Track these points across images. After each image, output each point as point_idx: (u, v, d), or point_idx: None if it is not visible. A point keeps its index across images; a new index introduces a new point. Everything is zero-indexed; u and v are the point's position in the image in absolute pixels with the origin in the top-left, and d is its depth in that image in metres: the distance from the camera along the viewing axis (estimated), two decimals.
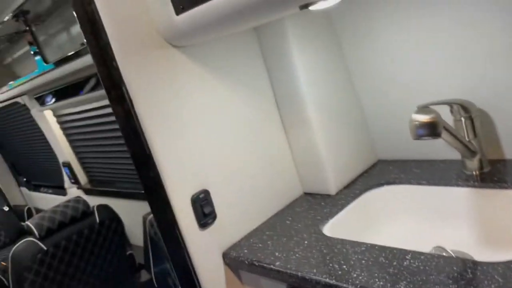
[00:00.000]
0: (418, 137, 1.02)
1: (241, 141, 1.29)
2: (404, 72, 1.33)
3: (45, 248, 2.19)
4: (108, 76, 1.03)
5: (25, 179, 4.46)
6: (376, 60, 1.39)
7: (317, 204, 1.33)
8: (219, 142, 1.24)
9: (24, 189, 4.53)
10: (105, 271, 2.42)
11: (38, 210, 4.32)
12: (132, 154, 1.09)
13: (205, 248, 1.17)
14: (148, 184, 1.09)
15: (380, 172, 1.41)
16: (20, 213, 4.06)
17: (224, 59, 1.25)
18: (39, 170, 3.89)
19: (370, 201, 1.32)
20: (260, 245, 1.17)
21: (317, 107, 1.32)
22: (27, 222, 2.23)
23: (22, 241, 2.20)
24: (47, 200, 3.96)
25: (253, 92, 1.34)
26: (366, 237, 1.26)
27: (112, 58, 1.00)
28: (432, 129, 1.01)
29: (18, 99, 3.20)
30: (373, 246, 0.99)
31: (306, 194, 1.45)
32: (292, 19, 1.28)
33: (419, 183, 1.25)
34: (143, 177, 1.09)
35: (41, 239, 2.21)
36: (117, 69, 1.01)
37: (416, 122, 1.01)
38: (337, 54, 1.42)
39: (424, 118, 1.01)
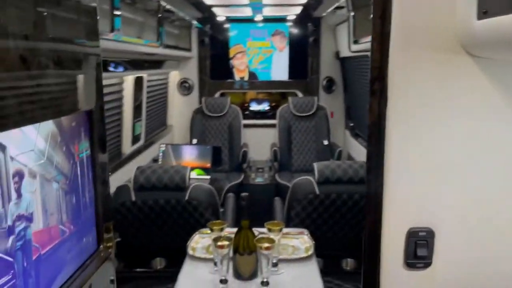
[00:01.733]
0: None
1: (503, 181, 0.97)
2: None
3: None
4: (376, 66, 0.94)
5: (351, 124, 4.91)
6: None
7: None
8: (473, 178, 0.97)
9: (347, 132, 5.02)
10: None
11: (350, 157, 4.75)
12: (368, 153, 1.00)
13: None
14: (369, 190, 0.99)
15: None
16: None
17: None
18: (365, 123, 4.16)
19: None
20: None
21: None
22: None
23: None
24: (359, 149, 4.27)
25: None
26: None
27: (386, 48, 0.90)
28: None
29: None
30: None
31: None
32: None
33: None
34: (367, 181, 1.00)
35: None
36: (385, 60, 0.90)
37: None
38: None
39: None
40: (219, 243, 1.74)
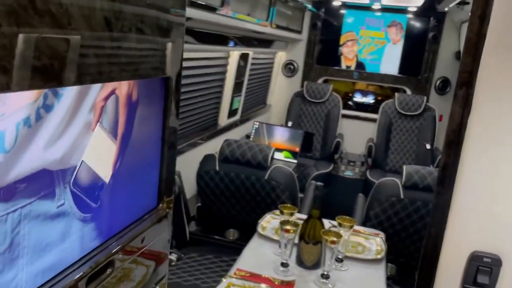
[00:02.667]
0: None
1: None
2: None
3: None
4: (466, 70, 0.84)
5: None
6: None
7: None
8: None
9: None
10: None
11: None
12: (442, 163, 0.91)
13: None
14: (437, 201, 0.91)
15: None
16: None
17: None
18: None
19: None
20: None
21: None
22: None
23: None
24: None
25: None
26: None
27: (479, 52, 0.80)
28: None
29: None
30: None
31: None
32: None
33: None
34: (436, 192, 0.91)
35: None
36: (476, 65, 0.81)
37: None
38: None
39: None
40: (285, 227, 1.75)
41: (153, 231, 0.91)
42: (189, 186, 2.78)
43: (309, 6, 4.66)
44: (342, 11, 4.92)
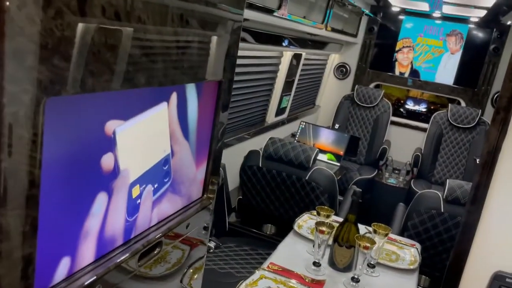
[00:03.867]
0: None
1: None
2: None
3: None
4: (506, 95, 0.86)
5: None
6: None
7: None
8: None
9: None
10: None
11: None
12: (475, 183, 0.94)
13: None
14: (467, 220, 0.93)
15: None
16: None
17: None
18: None
19: None
20: None
21: None
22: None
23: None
24: None
25: None
26: None
27: None
28: None
29: None
30: None
31: None
32: None
33: None
34: (467, 211, 0.94)
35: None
36: None
37: None
38: None
39: None
40: (321, 228, 1.81)
41: (196, 218, 1.01)
42: (233, 178, 2.88)
43: (367, 11, 4.62)
44: (401, 17, 4.85)
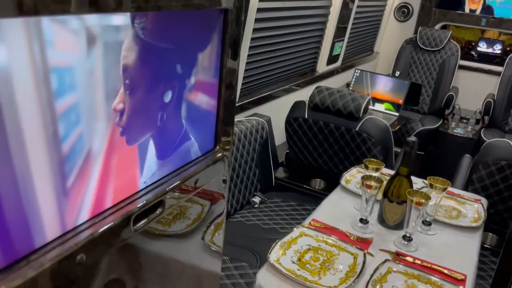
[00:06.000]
0: None
1: None
2: None
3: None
4: None
5: None
6: None
7: None
8: None
9: None
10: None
11: None
12: None
13: None
14: None
15: None
16: None
17: None
18: None
19: None
20: None
21: None
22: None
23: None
24: None
25: None
26: None
27: None
28: None
29: None
30: None
31: None
32: None
33: None
34: None
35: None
36: None
37: None
38: None
39: None
40: (367, 183, 1.64)
41: (208, 172, 0.90)
42: (280, 132, 2.75)
43: None
44: None
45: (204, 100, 0.86)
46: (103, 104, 0.64)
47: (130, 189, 0.74)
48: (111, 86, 0.65)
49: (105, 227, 0.64)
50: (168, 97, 0.76)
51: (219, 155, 0.92)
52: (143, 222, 0.75)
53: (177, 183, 0.82)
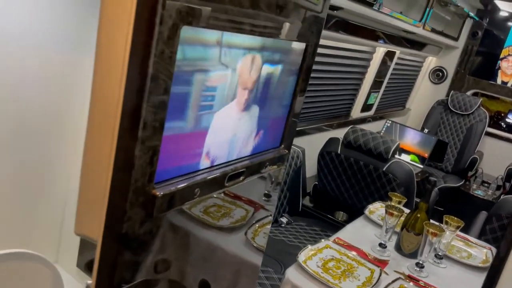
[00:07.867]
0: None
1: None
2: None
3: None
4: None
5: None
6: None
7: None
8: None
9: None
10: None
11: None
12: None
13: None
14: None
15: None
16: None
17: None
18: None
19: None
20: None
21: None
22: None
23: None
24: None
25: None
26: None
27: None
28: None
29: None
30: None
31: None
32: None
33: None
34: None
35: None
36: None
37: None
38: None
39: None
40: (390, 210, 1.88)
41: (272, 161, 1.17)
42: (310, 166, 3.01)
43: (472, 13, 4.44)
44: (510, 23, 4.57)
45: (281, 107, 1.16)
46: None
47: (227, 158, 1.03)
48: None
49: (212, 176, 0.93)
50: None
51: (282, 152, 1.20)
52: (232, 182, 1.02)
53: (254, 162, 1.10)
